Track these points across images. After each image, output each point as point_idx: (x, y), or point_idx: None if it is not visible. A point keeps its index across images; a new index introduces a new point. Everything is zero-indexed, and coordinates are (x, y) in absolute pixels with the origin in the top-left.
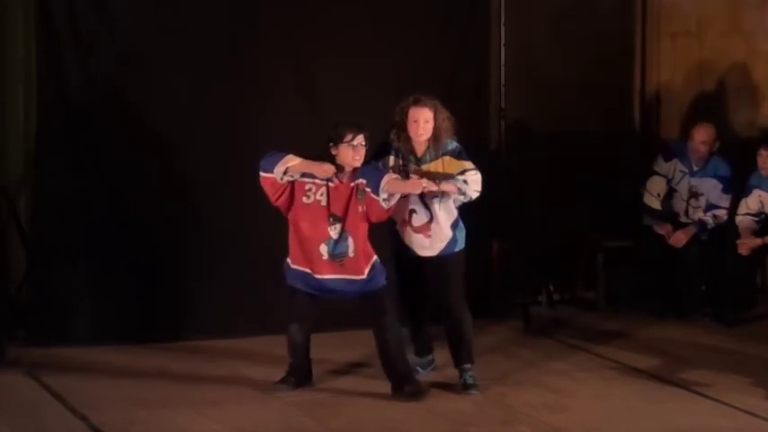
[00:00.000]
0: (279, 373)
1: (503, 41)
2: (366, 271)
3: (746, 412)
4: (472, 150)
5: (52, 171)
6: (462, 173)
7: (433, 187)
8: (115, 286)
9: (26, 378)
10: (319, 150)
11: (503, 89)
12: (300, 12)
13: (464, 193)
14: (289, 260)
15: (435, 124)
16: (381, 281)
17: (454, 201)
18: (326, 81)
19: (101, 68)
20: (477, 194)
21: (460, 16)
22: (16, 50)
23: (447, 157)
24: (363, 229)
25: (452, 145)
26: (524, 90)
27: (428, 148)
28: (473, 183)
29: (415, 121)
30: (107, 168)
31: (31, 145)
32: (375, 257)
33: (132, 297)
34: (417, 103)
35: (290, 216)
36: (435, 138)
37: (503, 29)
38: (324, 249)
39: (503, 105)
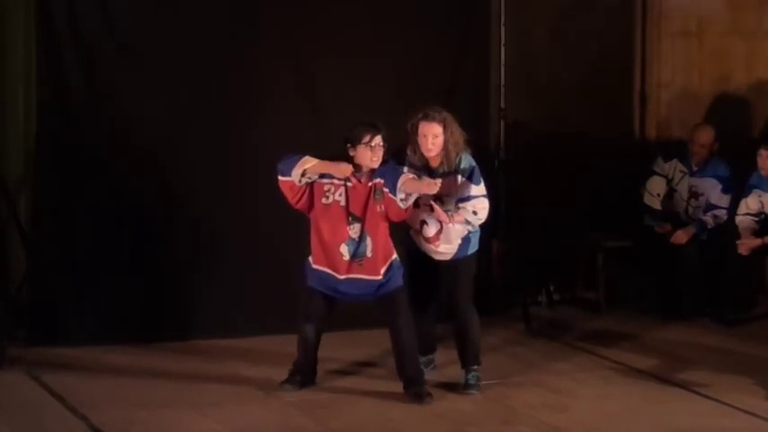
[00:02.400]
0: (279, 372)
1: (503, 42)
2: (382, 271)
3: (747, 412)
4: (472, 150)
5: (52, 171)
6: (471, 199)
7: (443, 218)
8: (115, 286)
9: (26, 378)
10: (329, 151)
11: (503, 89)
12: (300, 12)
13: (472, 225)
14: (310, 260)
15: (445, 138)
16: (398, 281)
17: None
18: (326, 81)
19: (101, 68)
20: (482, 222)
21: (460, 16)
22: (16, 51)
23: (459, 177)
24: (383, 228)
25: (466, 161)
26: (524, 90)
27: (441, 162)
28: (481, 212)
29: (425, 137)
30: (107, 168)
31: (31, 145)
32: (394, 256)
33: (132, 297)
34: (426, 117)
35: (312, 217)
36: (446, 152)
37: (503, 29)
38: (345, 250)
39: (503, 105)
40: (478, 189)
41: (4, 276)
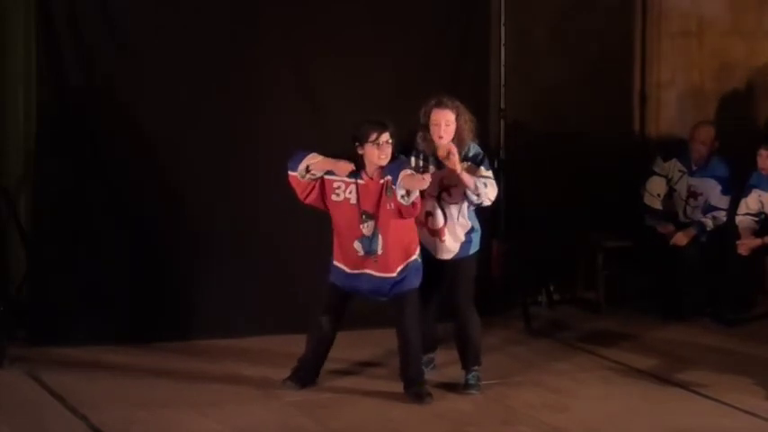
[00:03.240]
0: (279, 372)
1: (503, 42)
2: (397, 270)
3: (747, 412)
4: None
5: (52, 171)
6: (482, 178)
7: (457, 168)
8: (115, 286)
9: (26, 378)
10: (332, 150)
11: (503, 89)
12: (300, 12)
13: (479, 194)
14: (333, 256)
15: (457, 126)
16: (414, 282)
17: (468, 199)
18: (326, 81)
19: (101, 69)
20: (489, 203)
21: (460, 16)
22: (16, 51)
23: (467, 163)
24: (395, 226)
25: (474, 150)
26: (524, 90)
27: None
28: (490, 189)
29: (437, 124)
30: (107, 168)
31: (31, 145)
32: (413, 257)
33: (132, 297)
34: (440, 105)
35: (330, 214)
36: (458, 140)
37: (502, 29)
38: (358, 246)
39: (503, 105)
40: (487, 173)
41: (4, 276)
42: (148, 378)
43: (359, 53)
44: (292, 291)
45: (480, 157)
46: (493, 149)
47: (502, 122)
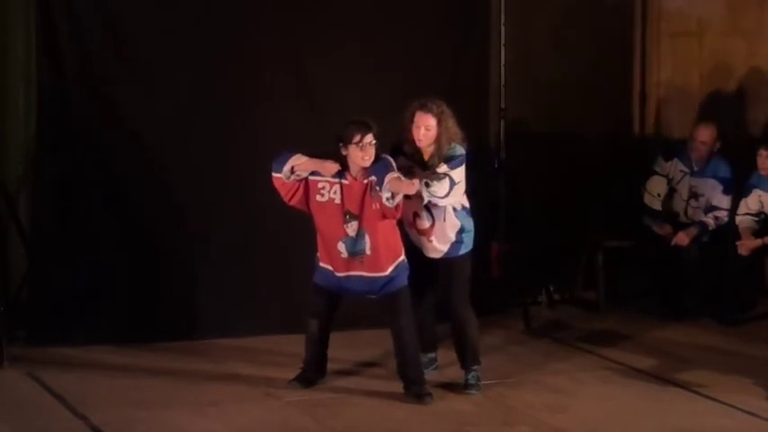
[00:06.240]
0: (279, 372)
1: (503, 41)
2: (389, 269)
3: (746, 412)
4: (472, 150)
5: (52, 171)
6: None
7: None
8: (115, 286)
9: (26, 378)
10: (325, 149)
11: (503, 89)
12: (300, 12)
13: (425, 198)
14: (318, 257)
15: (438, 132)
16: (403, 281)
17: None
18: (326, 81)
19: (101, 68)
20: (441, 199)
21: (461, 16)
22: (17, 51)
23: (443, 164)
24: (383, 226)
25: (452, 151)
26: (524, 90)
27: (433, 153)
28: (436, 187)
29: (417, 127)
30: (107, 168)
31: (30, 145)
32: (401, 258)
33: (132, 297)
34: (423, 108)
35: (313, 216)
36: (438, 145)
37: (503, 29)
38: (342, 247)
39: (503, 105)
40: (445, 167)
41: (4, 276)
42: (148, 378)
43: (359, 53)
44: (292, 290)
45: (450, 157)
46: (493, 149)
47: (502, 122)
